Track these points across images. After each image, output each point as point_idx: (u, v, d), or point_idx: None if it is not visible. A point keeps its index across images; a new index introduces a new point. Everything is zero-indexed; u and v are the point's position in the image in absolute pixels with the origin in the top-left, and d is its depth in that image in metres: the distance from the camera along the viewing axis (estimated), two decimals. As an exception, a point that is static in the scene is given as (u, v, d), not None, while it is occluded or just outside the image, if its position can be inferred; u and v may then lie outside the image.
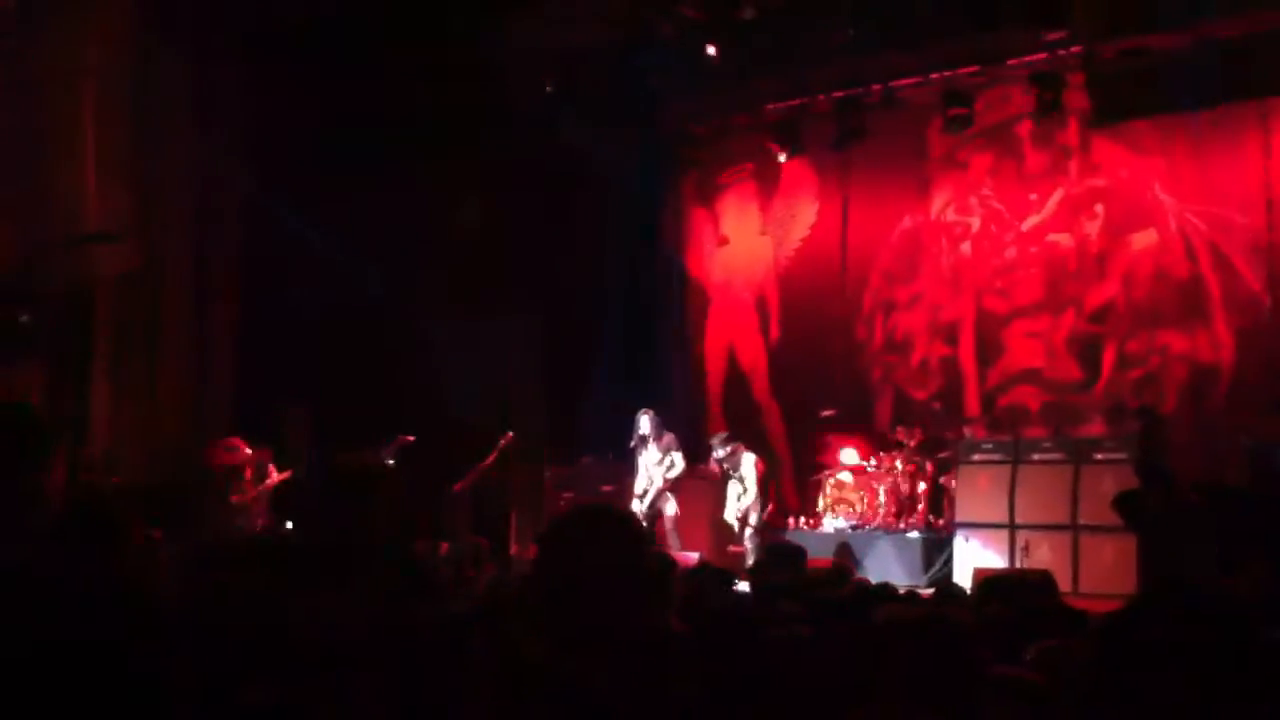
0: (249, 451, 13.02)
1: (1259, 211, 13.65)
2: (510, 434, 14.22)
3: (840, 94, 15.58)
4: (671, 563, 7.16)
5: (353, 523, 2.72)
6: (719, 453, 13.80)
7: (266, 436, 13.54)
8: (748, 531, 13.44)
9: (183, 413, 14.12)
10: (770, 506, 13.89)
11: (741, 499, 13.52)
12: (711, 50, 14.68)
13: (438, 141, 14.90)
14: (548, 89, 15.47)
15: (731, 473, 13.63)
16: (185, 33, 13.83)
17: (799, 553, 7.67)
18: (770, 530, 13.62)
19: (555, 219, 15.89)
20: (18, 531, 2.76)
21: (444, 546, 11.17)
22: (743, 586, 7.30)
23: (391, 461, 13.24)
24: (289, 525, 12.38)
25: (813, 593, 6.67)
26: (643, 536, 2.66)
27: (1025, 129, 15.32)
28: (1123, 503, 11.25)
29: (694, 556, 12.57)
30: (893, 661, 3.95)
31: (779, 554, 7.68)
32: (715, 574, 7.23)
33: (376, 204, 14.72)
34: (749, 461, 13.67)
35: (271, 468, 13.18)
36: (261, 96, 14.39)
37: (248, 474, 13.07)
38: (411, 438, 13.47)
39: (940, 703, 3.52)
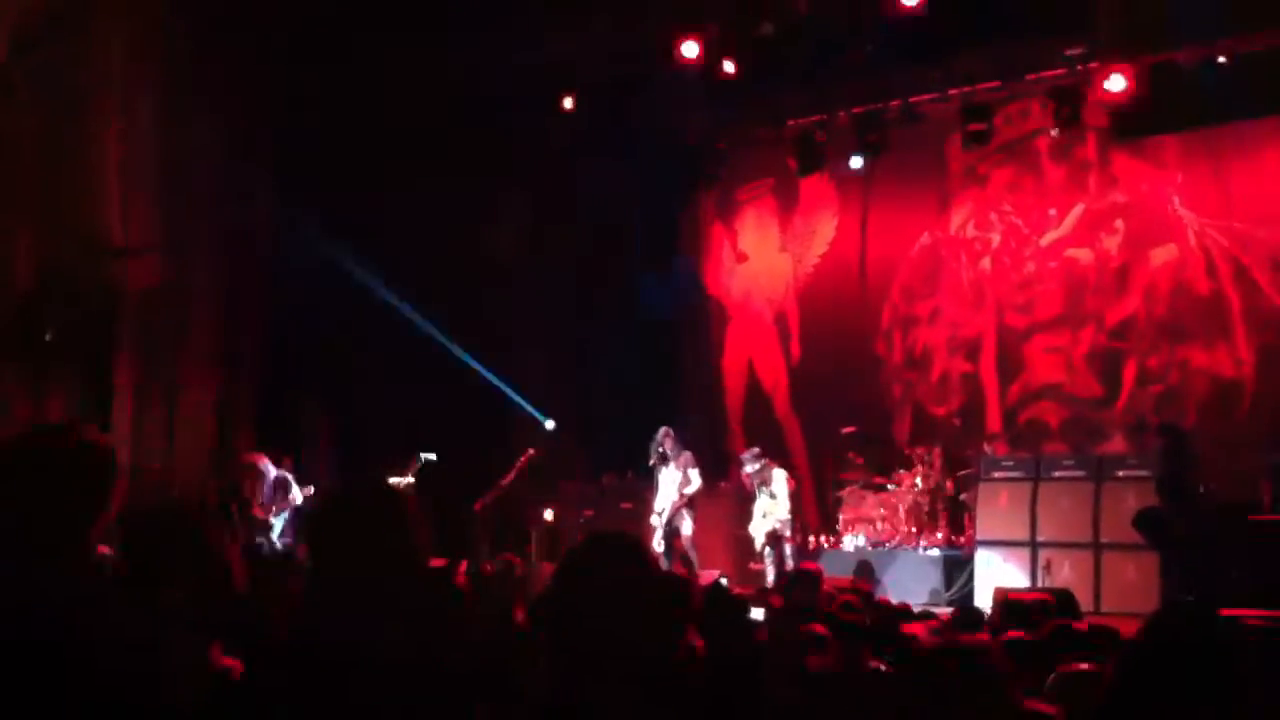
0: (273, 469, 13.09)
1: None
2: (531, 451, 14.24)
3: (860, 109, 15.58)
4: (688, 586, 7.16)
5: (372, 549, 2.73)
6: (750, 468, 13.77)
7: (289, 450, 13.60)
8: (786, 550, 13.38)
9: (205, 427, 14.17)
10: (796, 523, 13.88)
11: (769, 516, 13.49)
12: (730, 67, 14.68)
13: (463, 160, 14.94)
14: (568, 106, 15.52)
15: (762, 489, 13.60)
16: (215, 47, 13.89)
17: (815, 577, 7.71)
18: (796, 549, 13.60)
19: (576, 236, 15.92)
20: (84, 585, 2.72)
21: (464, 564, 11.17)
22: (758, 613, 7.28)
23: (413, 479, 13.27)
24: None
25: (837, 616, 6.69)
26: (655, 567, 2.67)
27: (1044, 144, 15.29)
28: (1144, 521, 11.22)
29: (713, 574, 12.58)
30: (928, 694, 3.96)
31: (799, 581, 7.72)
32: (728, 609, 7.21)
33: (403, 224, 14.76)
34: (780, 478, 13.64)
35: (294, 485, 13.23)
36: (290, 110, 14.46)
37: (271, 490, 13.13)
38: (432, 456, 13.50)
39: None
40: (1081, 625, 7.16)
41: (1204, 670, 1.76)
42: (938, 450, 14.26)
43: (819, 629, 6.32)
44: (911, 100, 15.35)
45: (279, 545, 12.65)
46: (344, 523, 2.75)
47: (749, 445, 14.41)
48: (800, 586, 7.65)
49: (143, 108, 13.09)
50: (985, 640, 5.13)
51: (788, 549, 13.39)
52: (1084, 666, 4.99)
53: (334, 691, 2.46)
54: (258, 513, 13.05)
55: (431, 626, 2.85)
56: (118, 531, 3.32)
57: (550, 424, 15.58)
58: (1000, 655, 4.25)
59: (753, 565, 13.80)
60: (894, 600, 10.67)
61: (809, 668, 5.64)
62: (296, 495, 13.14)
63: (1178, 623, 1.89)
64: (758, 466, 13.66)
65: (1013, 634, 6.17)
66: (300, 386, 14.35)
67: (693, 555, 13.02)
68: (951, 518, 13.84)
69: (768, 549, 13.42)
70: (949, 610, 8.82)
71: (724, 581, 11.91)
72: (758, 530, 13.57)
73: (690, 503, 13.20)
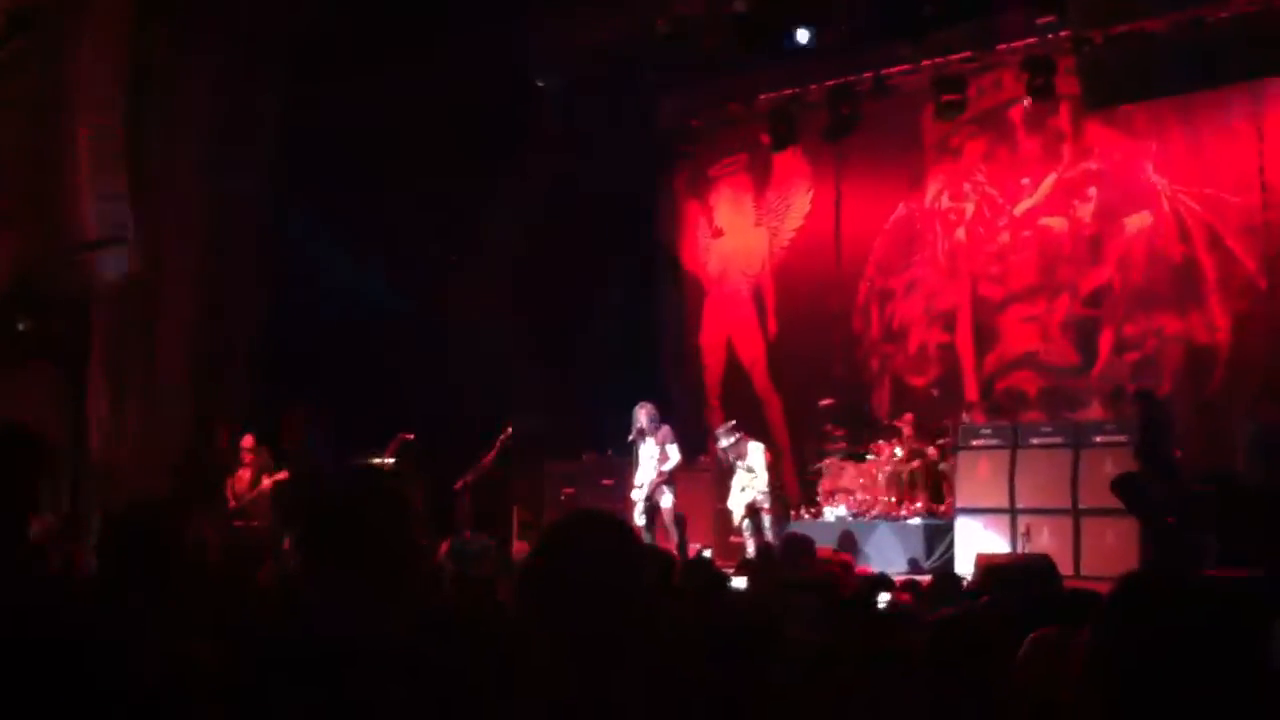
0: (250, 453, 13.07)
1: (1253, 192, 13.66)
2: (510, 429, 14.23)
3: (832, 83, 15.60)
4: (671, 561, 7.21)
5: (369, 531, 2.71)
6: (724, 442, 13.79)
7: (266, 435, 13.56)
8: (765, 520, 13.42)
9: (182, 419, 14.12)
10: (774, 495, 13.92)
11: (747, 489, 13.52)
12: (704, 43, 14.67)
13: (437, 139, 14.89)
14: (540, 84, 15.49)
15: (738, 463, 13.63)
16: (192, 36, 13.80)
17: (808, 544, 7.74)
18: (775, 521, 13.63)
19: (551, 215, 15.89)
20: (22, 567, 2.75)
21: (445, 544, 11.18)
22: (739, 583, 7.31)
23: (392, 460, 13.27)
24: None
25: (823, 587, 6.73)
26: (636, 541, 2.67)
27: (1018, 114, 15.33)
28: (1122, 486, 11.29)
29: (694, 548, 12.63)
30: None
31: (790, 546, 7.75)
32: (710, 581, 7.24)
33: (374, 200, 14.72)
34: (757, 450, 13.67)
35: (265, 471, 13.21)
36: (271, 98, 14.38)
37: (249, 474, 13.12)
38: (411, 435, 13.50)
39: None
40: (1061, 589, 7.23)
41: (1176, 630, 1.78)
42: (910, 417, 14.34)
43: (805, 599, 6.36)
44: (884, 73, 15.38)
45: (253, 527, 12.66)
46: (337, 513, 2.72)
47: (728, 420, 14.43)
48: (792, 554, 7.68)
49: (115, 102, 12.99)
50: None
51: (766, 521, 13.43)
52: (1055, 630, 5.05)
53: (325, 686, 2.45)
54: (233, 499, 13.04)
55: (425, 618, 2.86)
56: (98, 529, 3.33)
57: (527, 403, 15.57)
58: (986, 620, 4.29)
59: (733, 539, 13.85)
60: (875, 570, 10.78)
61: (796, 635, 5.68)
62: (268, 479, 13.11)
63: (1147, 583, 1.90)
64: (733, 440, 13.69)
65: (992, 599, 6.22)
66: (280, 369, 14.29)
67: (676, 529, 13.03)
68: (931, 487, 13.91)
69: (747, 522, 13.45)
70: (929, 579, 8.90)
71: (707, 554, 11.98)
72: (736, 504, 13.60)
73: (670, 478, 13.21)
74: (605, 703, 2.39)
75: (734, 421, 14.16)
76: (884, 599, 8.49)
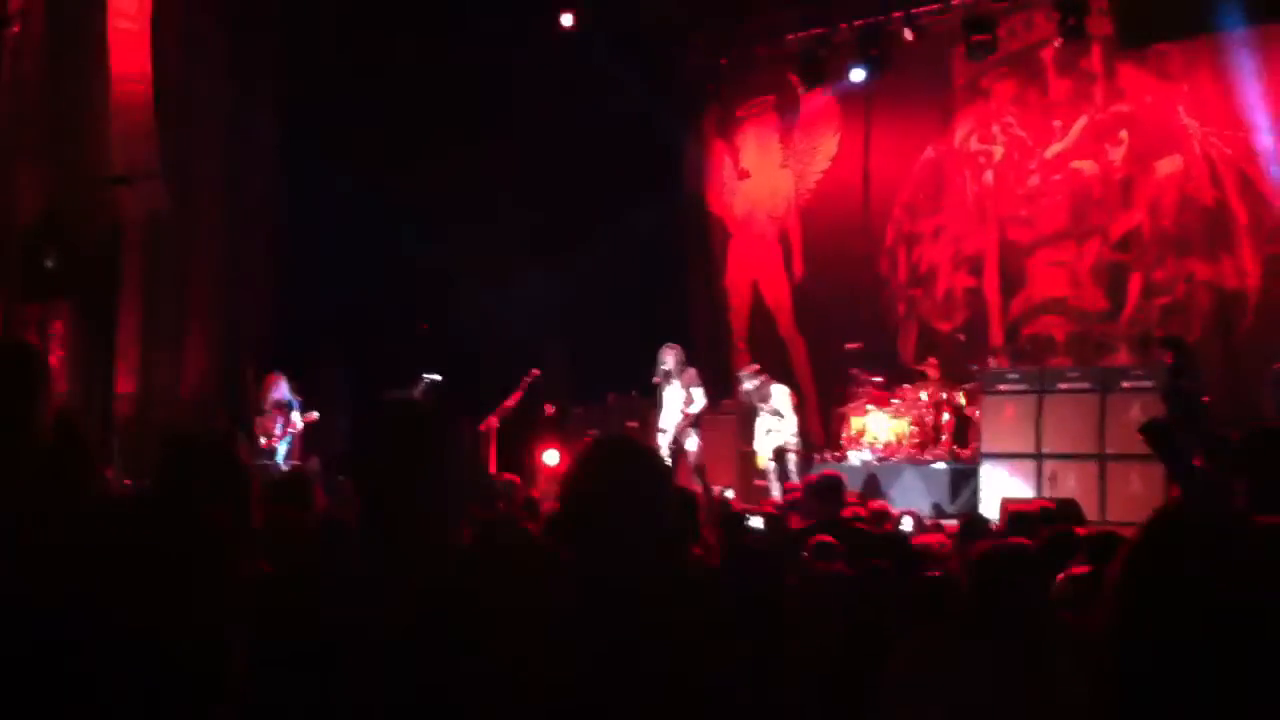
0: (285, 392, 13.10)
1: (1286, 136, 13.52)
2: (536, 370, 14.26)
3: (862, 23, 15.45)
4: (694, 497, 7.21)
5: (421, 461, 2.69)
6: (748, 385, 13.78)
7: (296, 374, 13.61)
8: (792, 463, 13.42)
9: (212, 356, 14.18)
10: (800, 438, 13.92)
11: (773, 433, 13.51)
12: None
13: (463, 85, 14.83)
14: (567, 25, 15.39)
15: (762, 405, 13.61)
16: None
17: (838, 485, 7.73)
18: (800, 464, 13.63)
19: (576, 156, 15.82)
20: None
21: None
22: (756, 521, 7.32)
23: (418, 399, 13.30)
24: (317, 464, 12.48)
25: (850, 529, 6.73)
26: (664, 468, 2.67)
27: (1049, 55, 15.16)
28: (1150, 431, 11.25)
29: (718, 489, 12.64)
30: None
31: (818, 488, 7.73)
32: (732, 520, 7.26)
33: (402, 147, 14.69)
34: (782, 393, 13.66)
35: (298, 410, 13.24)
36: (295, 60, 14.36)
37: (280, 415, 13.15)
38: (438, 376, 13.53)
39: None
40: (1082, 531, 7.22)
41: (1208, 563, 1.76)
42: (935, 361, 14.30)
43: (828, 539, 6.37)
44: (914, 12, 15.22)
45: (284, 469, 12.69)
46: (392, 452, 2.69)
47: (752, 363, 14.40)
48: (824, 496, 7.66)
49: (142, 40, 12.95)
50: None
51: (792, 463, 13.44)
52: (1087, 569, 5.05)
53: (366, 626, 2.45)
54: (263, 438, 13.09)
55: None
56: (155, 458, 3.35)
57: (553, 343, 15.57)
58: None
59: (757, 481, 13.86)
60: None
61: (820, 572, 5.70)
62: (298, 420, 13.14)
63: (1180, 518, 1.88)
64: (756, 383, 13.67)
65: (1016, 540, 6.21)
66: (307, 312, 14.33)
67: (701, 472, 13.05)
68: (957, 431, 13.89)
69: (773, 464, 13.46)
70: (955, 523, 8.90)
71: (730, 494, 12.01)
72: (762, 447, 13.60)
73: (695, 421, 13.22)
74: (632, 636, 2.39)
75: (757, 365, 14.14)
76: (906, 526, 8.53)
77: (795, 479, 12.80)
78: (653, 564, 2.49)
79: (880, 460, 13.97)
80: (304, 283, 14.27)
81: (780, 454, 13.43)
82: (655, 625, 2.44)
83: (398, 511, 2.60)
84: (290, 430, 13.08)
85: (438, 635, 2.40)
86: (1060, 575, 4.96)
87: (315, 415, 13.15)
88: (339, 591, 2.53)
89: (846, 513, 7.47)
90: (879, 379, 14.56)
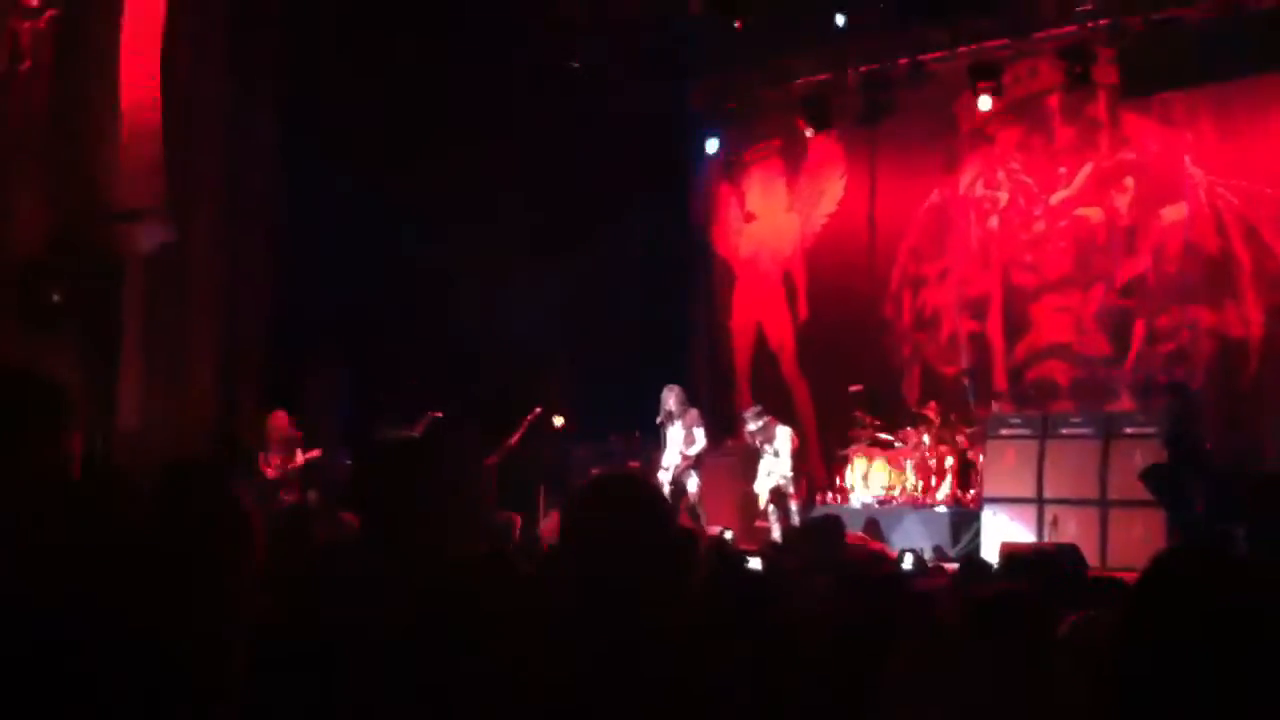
0: (283, 430, 13.12)
1: (1291, 186, 13.54)
2: (538, 409, 14.25)
3: (868, 69, 15.53)
4: (695, 537, 7.19)
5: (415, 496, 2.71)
6: (752, 425, 13.78)
7: (296, 409, 13.61)
8: (791, 506, 13.39)
9: (211, 387, 14.18)
10: (802, 481, 13.89)
11: (772, 474, 13.51)
12: (737, 25, 14.63)
13: (465, 122, 14.89)
14: (575, 65, 15.48)
15: (765, 446, 13.61)
16: (209, 12, 13.85)
17: (836, 525, 7.69)
18: (801, 507, 13.60)
19: (583, 196, 15.87)
20: (27, 505, 2.76)
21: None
22: (755, 563, 7.30)
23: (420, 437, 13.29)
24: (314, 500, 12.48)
25: (846, 570, 6.70)
26: (665, 506, 2.67)
27: (1054, 102, 15.22)
28: (1151, 476, 11.23)
29: (716, 529, 12.61)
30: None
31: (815, 529, 7.70)
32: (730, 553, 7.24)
33: (407, 187, 14.72)
34: (784, 435, 13.65)
35: (298, 448, 13.26)
36: (295, 60, 14.41)
37: (281, 450, 13.16)
38: (440, 414, 13.51)
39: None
40: (1086, 577, 7.19)
41: (1211, 606, 1.75)
42: (934, 405, 14.30)
43: (827, 581, 6.34)
44: (920, 59, 15.30)
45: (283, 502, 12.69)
46: (398, 478, 2.72)
47: (755, 405, 14.39)
48: (820, 537, 7.63)
49: (152, 71, 13.02)
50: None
51: (793, 506, 13.41)
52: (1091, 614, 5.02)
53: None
54: (269, 472, 13.09)
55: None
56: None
57: (555, 384, 15.60)
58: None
59: (758, 523, 13.83)
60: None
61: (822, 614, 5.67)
62: (301, 456, 13.15)
63: (1185, 561, 1.87)
64: (760, 424, 13.67)
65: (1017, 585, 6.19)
66: (307, 344, 14.34)
67: (699, 512, 13.04)
68: (959, 475, 13.86)
69: (772, 506, 13.44)
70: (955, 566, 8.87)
71: (729, 535, 11.97)
72: (762, 488, 13.58)
73: (696, 462, 13.20)
74: (629, 661, 2.38)
75: (760, 406, 14.14)
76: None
77: (794, 521, 12.78)
78: (652, 604, 2.48)
79: (881, 504, 13.94)
80: (303, 284, 14.24)
81: (778, 495, 13.40)
82: (651, 653, 2.43)
83: (399, 539, 2.62)
84: (291, 466, 13.09)
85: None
86: (1063, 620, 4.93)
87: (318, 452, 13.16)
88: (338, 594, 2.54)
89: (845, 554, 7.44)
90: (871, 420, 14.58)
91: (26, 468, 2.78)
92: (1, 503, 2.68)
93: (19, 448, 2.79)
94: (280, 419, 13.26)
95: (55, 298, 12.00)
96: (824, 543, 7.54)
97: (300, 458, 13.14)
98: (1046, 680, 3.36)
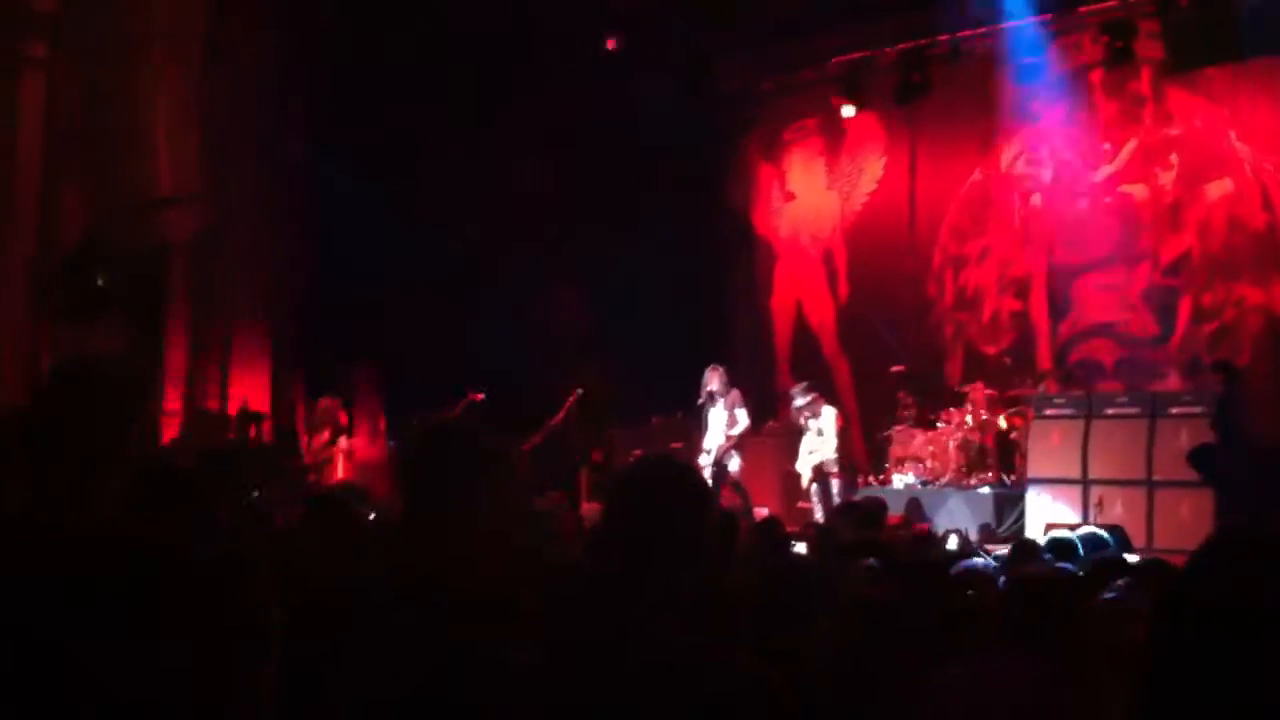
0: (329, 414, 13.23)
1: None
2: (578, 390, 14.26)
3: (906, 46, 15.41)
4: (735, 521, 7.17)
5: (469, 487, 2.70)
6: (799, 400, 13.68)
7: (339, 395, 13.70)
8: (833, 487, 13.31)
9: (258, 372, 14.28)
10: (845, 462, 13.82)
11: (815, 453, 13.43)
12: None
13: (501, 102, 14.89)
14: (611, 47, 15.44)
15: (810, 423, 13.52)
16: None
17: (879, 508, 7.66)
18: (844, 487, 13.53)
19: (622, 179, 15.84)
20: (94, 498, 2.77)
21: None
22: (801, 548, 7.27)
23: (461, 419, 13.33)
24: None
25: (891, 552, 6.67)
26: (705, 489, 2.67)
27: (1097, 78, 15.05)
28: (1198, 457, 11.12)
29: (763, 512, 12.58)
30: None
31: (857, 511, 7.68)
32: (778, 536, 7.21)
33: (441, 166, 14.74)
34: (830, 414, 13.56)
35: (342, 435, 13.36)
36: (326, 58, 14.45)
37: (327, 434, 13.26)
38: (481, 395, 13.54)
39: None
40: (1131, 558, 7.13)
41: (1261, 589, 1.71)
42: (980, 385, 14.19)
43: (871, 562, 6.32)
44: (960, 35, 15.16)
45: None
46: (441, 463, 2.72)
47: (796, 385, 14.33)
48: (862, 519, 7.61)
49: (190, 58, 13.10)
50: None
51: (834, 486, 13.33)
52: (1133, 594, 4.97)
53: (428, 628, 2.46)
54: (308, 455, 13.18)
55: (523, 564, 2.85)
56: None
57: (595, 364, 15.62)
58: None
59: (801, 504, 13.78)
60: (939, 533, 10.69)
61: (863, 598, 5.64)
62: (343, 442, 13.25)
63: (1235, 541, 1.83)
64: (808, 400, 13.59)
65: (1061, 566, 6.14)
66: (346, 329, 14.40)
67: (744, 492, 12.99)
68: (1003, 455, 13.76)
69: (815, 486, 13.38)
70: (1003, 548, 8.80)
71: (764, 513, 11.94)
72: (804, 467, 13.52)
73: (738, 443, 13.16)
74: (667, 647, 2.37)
75: (807, 382, 14.06)
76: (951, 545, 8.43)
77: (836, 501, 12.72)
78: (690, 586, 2.48)
79: (924, 484, 13.86)
80: (342, 274, 14.29)
81: (820, 475, 13.33)
82: (688, 638, 2.43)
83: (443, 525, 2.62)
84: (325, 452, 13.17)
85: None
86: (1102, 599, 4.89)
87: (348, 445, 13.23)
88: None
89: (886, 536, 7.41)
90: (914, 400, 14.49)
91: (108, 454, 2.79)
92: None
93: (102, 434, 2.80)
94: (328, 404, 13.36)
95: (100, 283, 12.10)
96: (866, 525, 7.53)
97: (344, 443, 13.23)
98: (1091, 694, 3.33)
